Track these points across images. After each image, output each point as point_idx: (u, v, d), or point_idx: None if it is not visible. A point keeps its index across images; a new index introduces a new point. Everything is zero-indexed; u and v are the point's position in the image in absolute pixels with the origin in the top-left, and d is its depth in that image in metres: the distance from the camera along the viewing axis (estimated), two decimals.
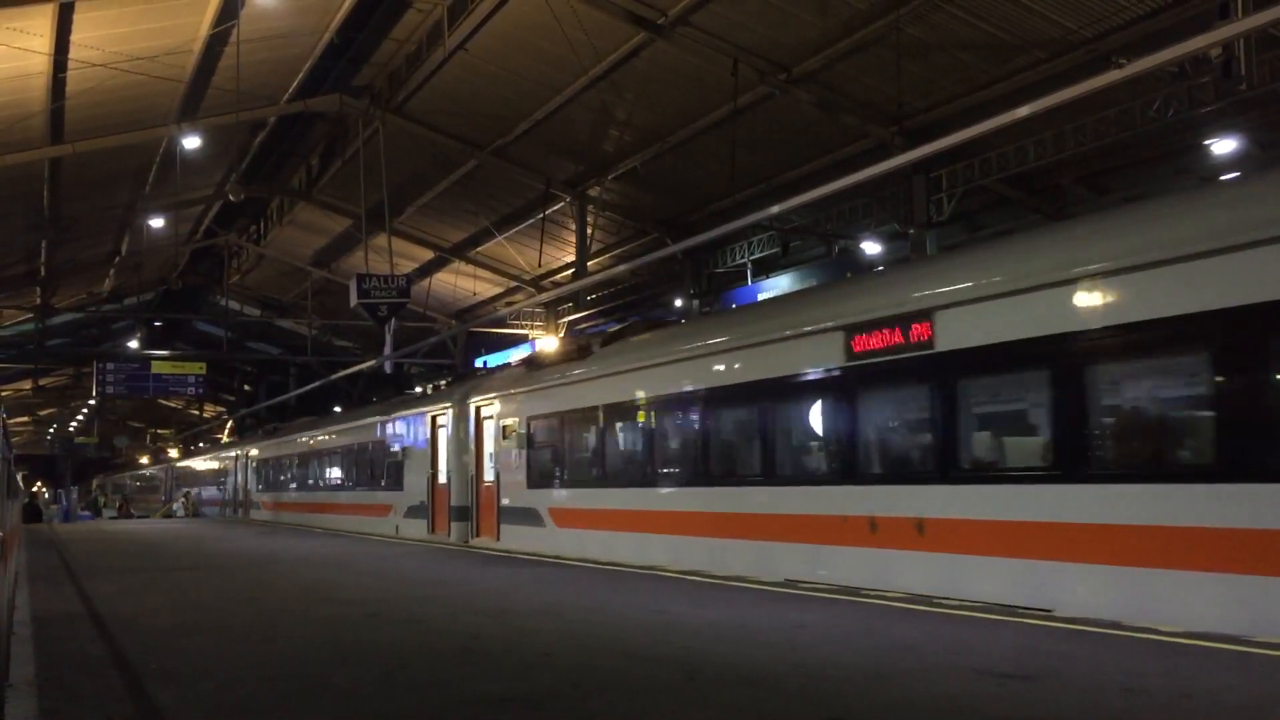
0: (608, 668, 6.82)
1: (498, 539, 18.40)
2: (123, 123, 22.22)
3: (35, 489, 69.80)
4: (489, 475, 19.14)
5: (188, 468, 54.23)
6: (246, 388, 59.12)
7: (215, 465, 46.72)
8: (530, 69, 21.05)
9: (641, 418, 14.83)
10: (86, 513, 55.47)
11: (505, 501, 18.36)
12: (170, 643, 8.18)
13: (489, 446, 19.26)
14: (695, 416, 13.62)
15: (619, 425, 15.59)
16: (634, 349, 15.65)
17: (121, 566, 16.28)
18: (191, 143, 23.18)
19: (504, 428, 18.54)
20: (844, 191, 15.26)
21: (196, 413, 66.04)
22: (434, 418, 21.69)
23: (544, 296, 29.93)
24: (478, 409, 19.77)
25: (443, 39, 20.13)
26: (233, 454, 42.69)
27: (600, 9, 18.30)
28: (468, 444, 20.04)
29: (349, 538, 23.05)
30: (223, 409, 63.56)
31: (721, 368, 13.11)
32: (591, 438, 16.13)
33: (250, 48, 19.31)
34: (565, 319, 31.36)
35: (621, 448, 15.67)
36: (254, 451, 39.19)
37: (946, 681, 6.12)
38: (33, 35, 16.48)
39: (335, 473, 29.99)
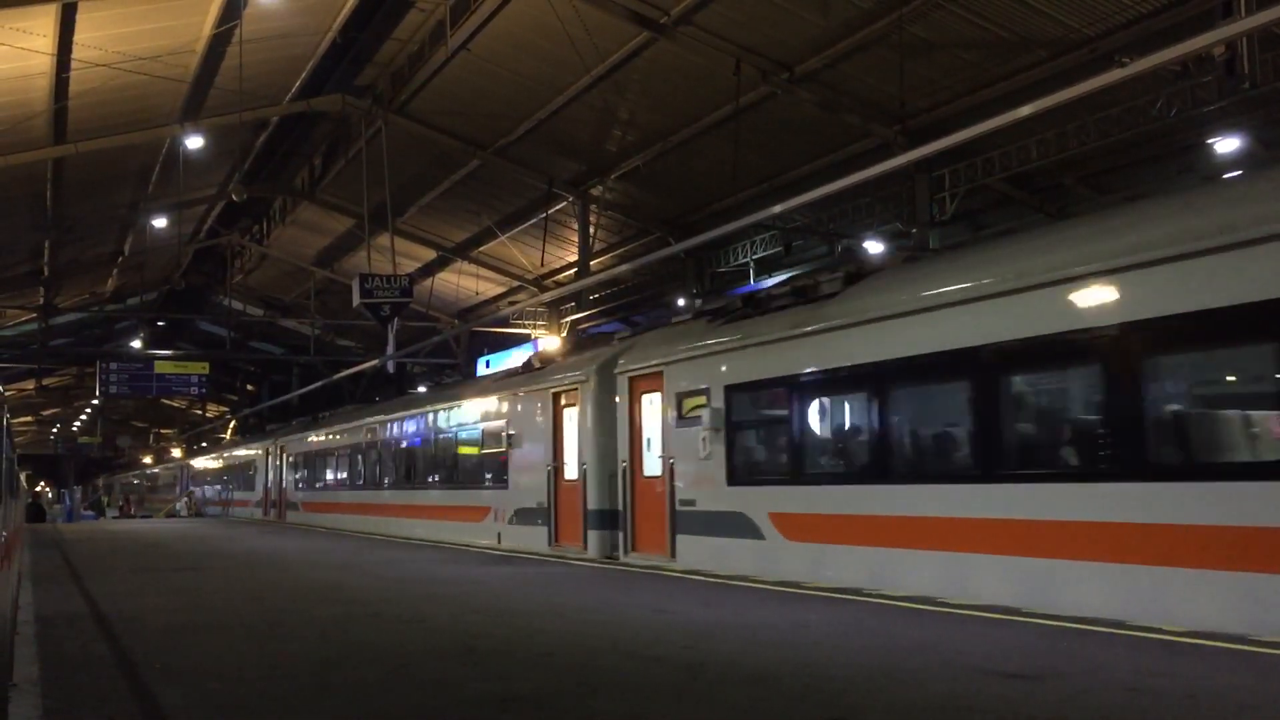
0: (610, 667, 6.81)
1: (671, 554, 13.72)
2: (126, 123, 22.26)
3: (39, 489, 69.98)
4: (652, 467, 14.53)
5: (205, 466, 49.97)
6: (249, 387, 59.21)
7: (239, 462, 42.60)
8: (532, 69, 21.06)
9: (978, 378, 9.55)
10: (90, 513, 55.54)
11: (686, 504, 13.62)
12: (173, 643, 8.19)
13: (649, 429, 14.75)
14: (1094, 372, 8.63)
15: (919, 391, 10.77)
16: (947, 273, 10.53)
17: (125, 566, 16.29)
18: (194, 143, 23.25)
19: (681, 402, 13.81)
20: (846, 191, 15.35)
21: (200, 412, 66.11)
22: (556, 395, 16.97)
23: (546, 296, 29.96)
24: (631, 380, 15.02)
25: (445, 39, 20.14)
26: (261, 449, 38.34)
27: (602, 9, 18.29)
28: (613, 426, 15.36)
29: (431, 549, 17.92)
30: (225, 409, 63.64)
31: (1153, 289, 8.01)
32: (856, 412, 11.47)
33: (253, 47, 19.35)
34: (568, 319, 31.39)
35: (926, 425, 10.86)
36: (293, 445, 34.32)
37: (951, 681, 6.11)
38: (36, 35, 16.52)
39: (409, 467, 24.66)
